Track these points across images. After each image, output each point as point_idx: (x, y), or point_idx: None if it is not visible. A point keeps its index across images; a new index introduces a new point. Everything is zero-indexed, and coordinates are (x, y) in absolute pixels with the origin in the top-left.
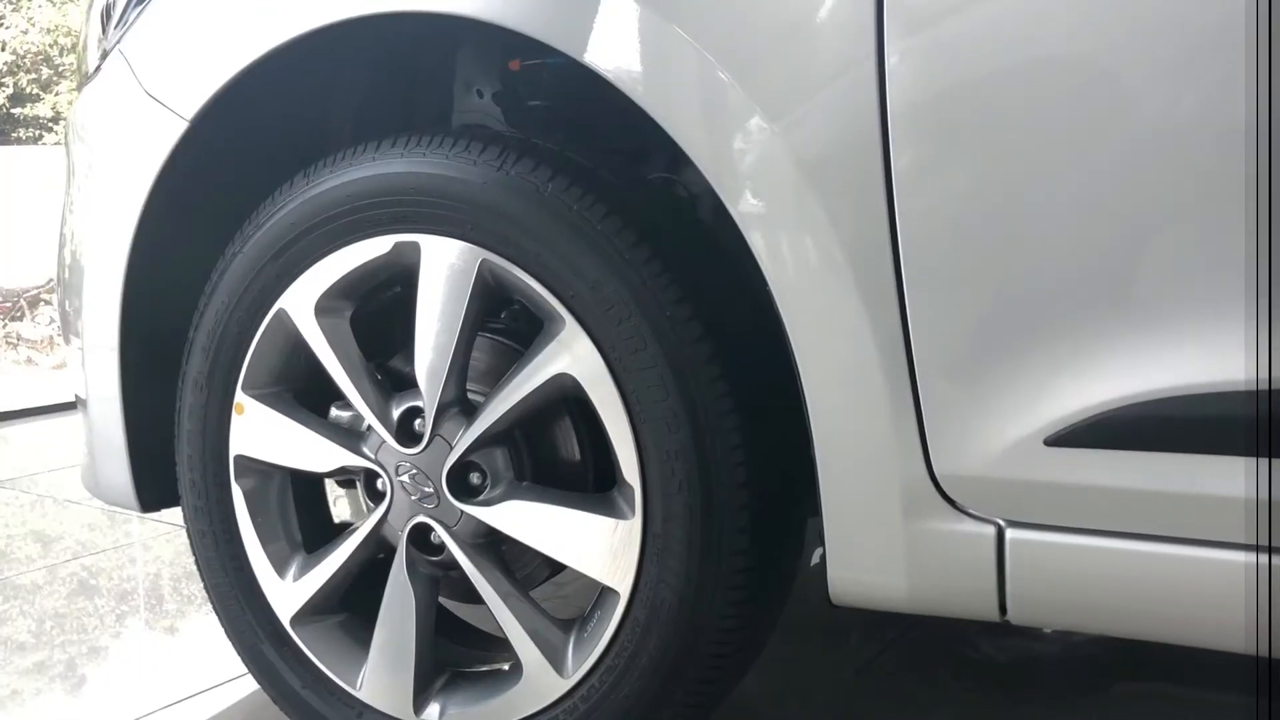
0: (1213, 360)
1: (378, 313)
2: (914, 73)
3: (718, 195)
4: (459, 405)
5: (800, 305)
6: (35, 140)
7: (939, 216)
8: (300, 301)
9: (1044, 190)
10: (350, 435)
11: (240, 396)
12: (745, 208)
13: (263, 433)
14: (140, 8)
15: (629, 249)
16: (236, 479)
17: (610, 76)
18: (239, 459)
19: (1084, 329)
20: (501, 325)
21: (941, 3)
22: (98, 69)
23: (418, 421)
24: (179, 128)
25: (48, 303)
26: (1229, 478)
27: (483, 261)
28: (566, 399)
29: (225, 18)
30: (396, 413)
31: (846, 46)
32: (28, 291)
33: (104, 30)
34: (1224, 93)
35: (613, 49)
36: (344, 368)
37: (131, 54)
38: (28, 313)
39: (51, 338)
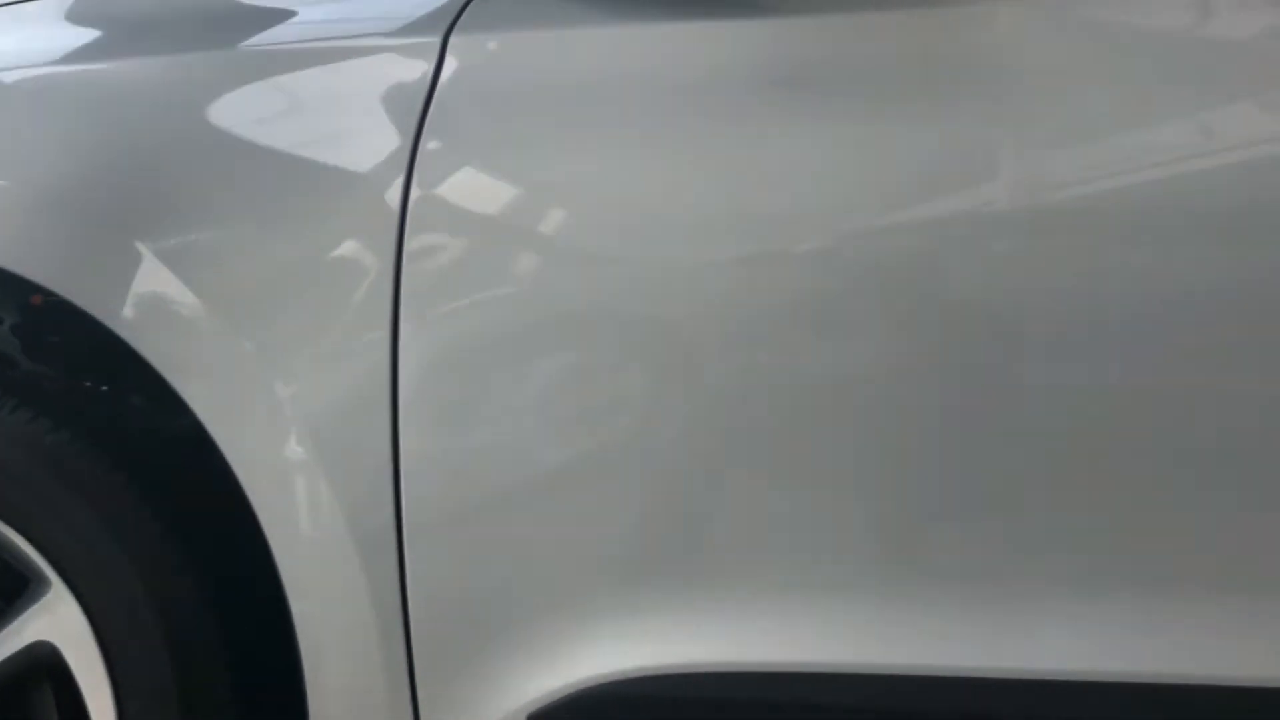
0: (687, 642)
1: None
2: (422, 343)
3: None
4: None
5: (299, 567)
6: None
7: (436, 486)
8: None
9: (523, 455)
10: None
11: None
12: (239, 457)
13: None
14: None
15: (132, 508)
16: None
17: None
18: None
19: (563, 602)
20: None
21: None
22: None
23: None
24: None
25: None
26: None
27: None
28: (48, 669)
29: None
30: None
31: (362, 311)
32: None
33: None
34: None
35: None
36: None
37: None
38: None
39: None
